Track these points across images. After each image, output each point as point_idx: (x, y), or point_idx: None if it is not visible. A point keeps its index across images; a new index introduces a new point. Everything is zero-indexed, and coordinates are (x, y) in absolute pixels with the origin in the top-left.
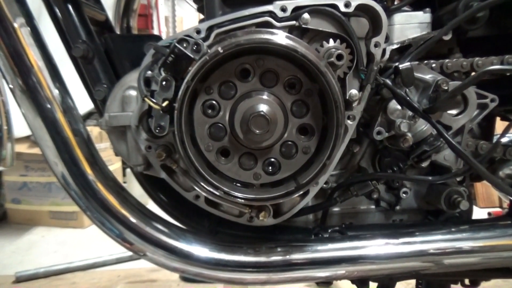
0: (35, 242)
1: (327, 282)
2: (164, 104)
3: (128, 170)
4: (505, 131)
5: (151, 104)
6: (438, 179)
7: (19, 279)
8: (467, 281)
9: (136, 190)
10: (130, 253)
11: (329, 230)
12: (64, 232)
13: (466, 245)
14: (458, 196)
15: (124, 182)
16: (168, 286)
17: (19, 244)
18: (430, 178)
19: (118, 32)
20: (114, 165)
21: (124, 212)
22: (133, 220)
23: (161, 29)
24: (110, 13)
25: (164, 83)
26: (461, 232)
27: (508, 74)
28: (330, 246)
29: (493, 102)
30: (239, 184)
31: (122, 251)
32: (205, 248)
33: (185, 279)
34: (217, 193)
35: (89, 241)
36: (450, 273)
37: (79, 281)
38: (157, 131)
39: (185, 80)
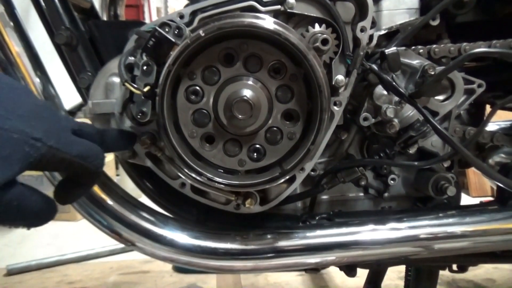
0: (27, 235)
1: (315, 269)
2: (146, 89)
3: None
4: (490, 116)
5: (132, 89)
6: (424, 164)
7: (11, 272)
8: (455, 267)
9: (130, 182)
10: (122, 245)
11: (317, 217)
12: (57, 225)
13: (453, 230)
14: (446, 182)
15: (117, 175)
16: (161, 277)
17: (11, 237)
18: (416, 163)
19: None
20: (107, 157)
21: (110, 202)
22: (119, 209)
23: (153, 20)
24: (97, 2)
25: (145, 67)
26: (449, 217)
27: (497, 57)
28: (318, 232)
29: (480, 88)
30: (222, 171)
31: (114, 243)
32: (192, 236)
33: (178, 269)
34: (201, 180)
35: (81, 234)
36: (438, 258)
37: (72, 273)
38: (139, 116)
39: (167, 65)
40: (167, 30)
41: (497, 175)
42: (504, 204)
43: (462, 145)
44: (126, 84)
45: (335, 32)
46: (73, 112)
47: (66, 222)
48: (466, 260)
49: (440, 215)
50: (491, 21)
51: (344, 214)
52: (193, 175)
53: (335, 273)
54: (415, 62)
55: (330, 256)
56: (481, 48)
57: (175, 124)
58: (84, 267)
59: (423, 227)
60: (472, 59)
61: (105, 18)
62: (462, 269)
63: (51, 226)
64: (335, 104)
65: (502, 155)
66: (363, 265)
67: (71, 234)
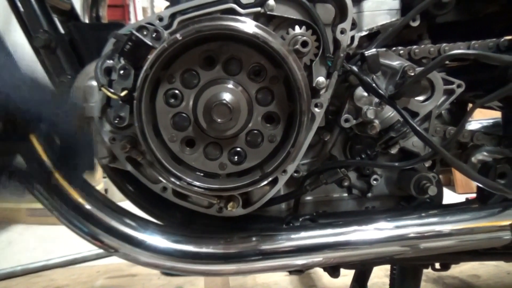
0: (12, 240)
1: (299, 270)
2: (123, 93)
3: None
4: (468, 116)
5: (108, 93)
6: (405, 165)
7: None
8: (438, 265)
9: None
10: None
11: (300, 219)
12: (42, 229)
13: (435, 229)
14: (427, 182)
15: (104, 177)
16: (149, 280)
17: None
18: (396, 164)
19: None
20: None
21: (90, 208)
22: (100, 216)
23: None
24: (78, 3)
25: (122, 71)
26: (430, 217)
27: (476, 58)
28: (303, 234)
29: (460, 88)
30: (202, 174)
31: None
32: (173, 241)
33: (166, 272)
34: (181, 184)
35: (67, 238)
36: (422, 257)
37: (58, 277)
38: (116, 121)
39: (144, 68)
40: (144, 33)
41: (475, 174)
42: (485, 203)
43: (441, 145)
44: (103, 88)
45: (316, 34)
46: None
47: (52, 226)
48: (448, 258)
49: (423, 214)
50: (472, 20)
51: (328, 215)
52: (173, 179)
53: (323, 272)
54: (396, 63)
55: (314, 258)
56: (458, 50)
57: (155, 128)
58: (71, 272)
59: (406, 227)
60: (452, 59)
61: (87, 20)
62: (444, 267)
63: (36, 230)
64: (316, 106)
65: (485, 153)
66: (348, 265)
67: (57, 238)
